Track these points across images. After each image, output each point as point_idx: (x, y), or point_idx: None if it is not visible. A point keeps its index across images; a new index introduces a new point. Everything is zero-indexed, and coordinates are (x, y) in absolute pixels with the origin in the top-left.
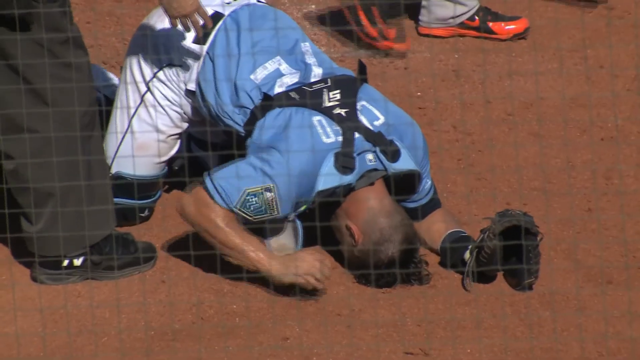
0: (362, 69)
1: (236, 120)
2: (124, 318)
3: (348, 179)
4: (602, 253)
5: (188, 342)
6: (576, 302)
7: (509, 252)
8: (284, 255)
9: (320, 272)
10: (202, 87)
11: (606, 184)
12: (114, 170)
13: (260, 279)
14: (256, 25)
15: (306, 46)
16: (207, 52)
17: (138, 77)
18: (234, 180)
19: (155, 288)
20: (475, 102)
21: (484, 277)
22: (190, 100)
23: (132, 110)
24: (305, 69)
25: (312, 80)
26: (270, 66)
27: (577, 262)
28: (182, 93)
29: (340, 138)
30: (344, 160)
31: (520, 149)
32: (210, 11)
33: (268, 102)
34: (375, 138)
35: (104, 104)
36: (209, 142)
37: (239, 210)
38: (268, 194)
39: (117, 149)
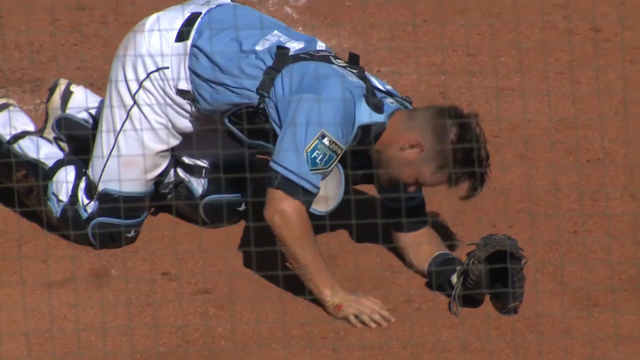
0: (354, 57)
1: (247, 86)
2: (110, 341)
3: (381, 117)
4: (588, 275)
5: None
6: (562, 325)
7: (495, 276)
8: (347, 292)
9: (380, 314)
10: (198, 76)
11: (593, 206)
12: (100, 188)
13: (246, 304)
14: (241, 13)
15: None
16: (193, 46)
17: (124, 92)
18: (299, 160)
19: (141, 311)
20: None
21: (471, 301)
22: (178, 106)
23: (118, 127)
24: (308, 40)
25: (317, 48)
26: (272, 38)
27: (563, 284)
28: (170, 100)
29: (361, 84)
30: (374, 100)
31: (506, 171)
32: (187, 13)
33: (283, 56)
34: (387, 93)
35: (91, 127)
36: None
37: (313, 172)
38: (325, 140)
39: (104, 167)
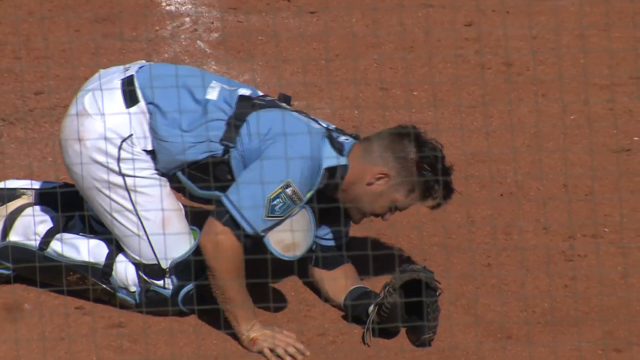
0: (286, 98)
1: (210, 138)
2: None
3: (344, 160)
4: (501, 308)
5: None
6: (476, 357)
7: (411, 308)
8: (263, 326)
9: (295, 347)
10: (160, 136)
11: (506, 239)
12: (165, 265)
13: (160, 338)
14: (177, 67)
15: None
16: (148, 105)
17: (107, 177)
18: (255, 204)
19: (55, 345)
20: None
21: (387, 333)
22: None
23: (130, 205)
24: (247, 87)
25: (258, 94)
26: (216, 86)
27: (477, 317)
28: (146, 157)
29: (322, 126)
30: (336, 143)
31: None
32: (117, 82)
33: (246, 103)
34: (335, 131)
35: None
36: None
37: (268, 219)
38: (288, 190)
39: (151, 246)
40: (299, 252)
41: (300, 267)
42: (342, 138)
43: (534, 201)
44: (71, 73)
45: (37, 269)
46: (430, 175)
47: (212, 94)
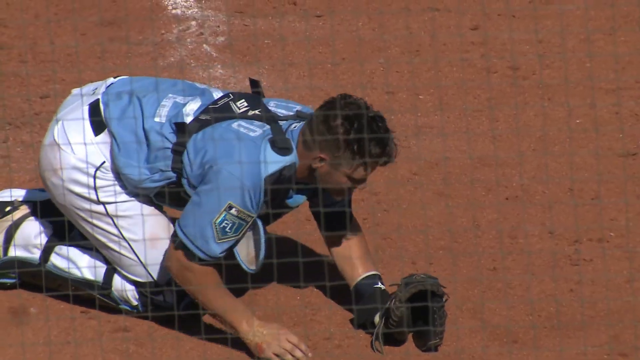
0: (254, 83)
1: (161, 167)
2: None
3: (290, 158)
4: (508, 312)
5: None
6: None
7: (417, 314)
8: (263, 324)
9: (300, 349)
10: (118, 167)
11: (511, 243)
12: (160, 281)
13: (166, 342)
14: (136, 80)
15: (189, 82)
16: (111, 132)
17: (88, 206)
18: (203, 232)
19: (61, 349)
20: None
21: (393, 340)
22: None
23: (116, 231)
24: (203, 92)
25: (215, 98)
26: (168, 102)
27: (483, 321)
28: (119, 180)
29: (265, 129)
30: (280, 142)
31: (426, 209)
32: (85, 108)
33: (182, 131)
34: (297, 115)
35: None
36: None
37: (222, 241)
38: (232, 211)
39: (144, 266)
40: (259, 264)
41: (306, 270)
42: (292, 125)
43: (540, 205)
44: (77, 77)
45: (42, 279)
46: (354, 132)
47: (161, 115)
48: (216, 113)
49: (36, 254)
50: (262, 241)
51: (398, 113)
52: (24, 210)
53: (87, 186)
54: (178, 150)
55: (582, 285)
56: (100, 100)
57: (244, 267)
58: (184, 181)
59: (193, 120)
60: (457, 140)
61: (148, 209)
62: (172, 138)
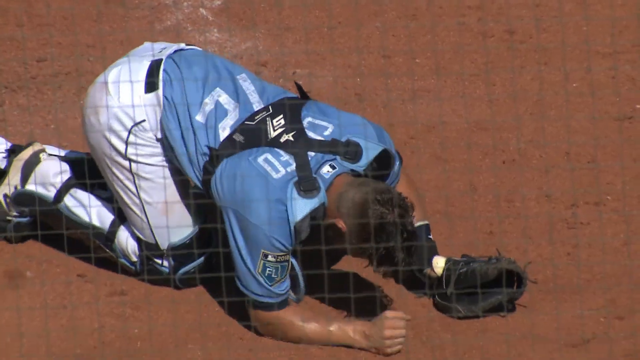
0: (299, 88)
1: (195, 174)
2: (26, 343)
3: (318, 200)
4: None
5: None
6: (478, 325)
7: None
8: (368, 325)
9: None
10: (166, 136)
11: (508, 207)
12: (163, 246)
13: (163, 305)
14: (193, 64)
15: (243, 77)
16: (165, 96)
17: (116, 156)
18: (258, 283)
19: (57, 313)
20: None
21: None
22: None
23: (134, 188)
24: (245, 99)
25: (255, 109)
26: (210, 102)
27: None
28: (156, 143)
29: (291, 168)
30: (306, 185)
31: (422, 173)
32: (147, 62)
33: (212, 158)
34: (330, 147)
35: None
36: None
37: (274, 285)
38: (269, 257)
39: (151, 228)
40: (301, 294)
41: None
42: (324, 168)
43: (537, 169)
44: (73, 40)
45: (53, 220)
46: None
47: (202, 115)
48: (249, 134)
49: (52, 192)
50: (299, 275)
51: (395, 77)
52: (37, 146)
53: (120, 138)
54: (208, 173)
55: (579, 248)
56: (164, 62)
57: (294, 299)
58: (218, 202)
59: (225, 139)
60: (454, 104)
61: (170, 178)
62: (205, 157)
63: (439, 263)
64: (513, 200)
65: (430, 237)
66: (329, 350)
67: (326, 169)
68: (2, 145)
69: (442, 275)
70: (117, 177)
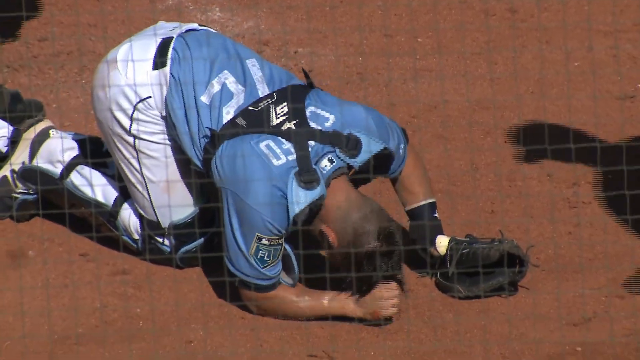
0: (306, 75)
1: (196, 153)
2: (28, 322)
3: (317, 192)
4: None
5: (92, 346)
6: (480, 305)
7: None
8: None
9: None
10: (170, 114)
11: (510, 186)
12: (165, 224)
13: (165, 285)
14: (203, 44)
15: (252, 62)
16: (171, 74)
17: (120, 132)
18: (250, 266)
19: (59, 292)
20: (379, 104)
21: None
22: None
23: (137, 164)
24: (252, 85)
25: (260, 95)
26: (217, 84)
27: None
28: (161, 120)
29: (292, 157)
30: (306, 176)
31: (424, 152)
32: (157, 40)
33: (214, 140)
34: (331, 138)
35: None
36: None
37: (266, 268)
38: (264, 241)
39: (153, 206)
40: (294, 277)
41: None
42: (323, 162)
43: (538, 148)
44: (75, 20)
45: (58, 197)
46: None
47: (208, 96)
48: (252, 119)
49: (58, 169)
50: (292, 259)
51: (396, 56)
52: (46, 123)
53: (126, 114)
54: (209, 154)
55: (581, 228)
56: (174, 41)
57: (282, 281)
58: (217, 182)
59: (228, 122)
60: (456, 83)
61: (173, 157)
62: (206, 138)
63: (442, 242)
64: (514, 179)
65: (436, 215)
66: (329, 329)
67: (324, 163)
68: (4, 129)
69: (445, 254)
70: (122, 154)
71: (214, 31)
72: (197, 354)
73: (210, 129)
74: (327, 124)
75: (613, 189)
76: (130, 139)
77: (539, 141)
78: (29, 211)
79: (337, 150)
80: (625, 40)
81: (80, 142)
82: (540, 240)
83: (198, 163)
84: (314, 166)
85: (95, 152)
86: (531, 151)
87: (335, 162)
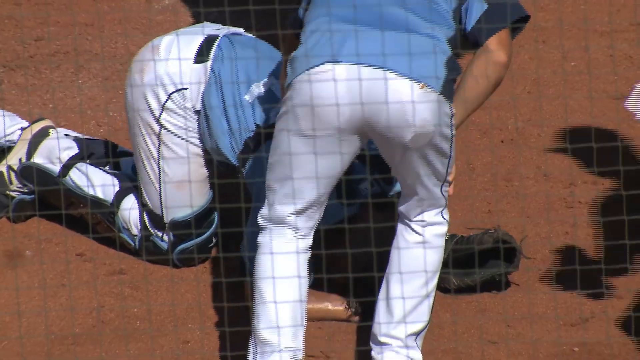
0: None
1: (233, 148)
2: (24, 322)
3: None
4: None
5: (89, 346)
6: (477, 305)
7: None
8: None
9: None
10: (205, 109)
11: (506, 186)
12: (166, 219)
13: (162, 285)
14: (248, 47)
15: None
16: (212, 69)
17: (149, 118)
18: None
19: (56, 292)
20: None
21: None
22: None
23: (156, 154)
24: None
25: None
26: (262, 86)
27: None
28: (193, 115)
29: None
30: None
31: None
32: (204, 35)
33: (259, 132)
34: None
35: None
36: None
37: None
38: None
39: (160, 197)
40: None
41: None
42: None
43: (535, 148)
44: (71, 19)
45: (57, 197)
46: None
47: (251, 96)
48: None
49: (57, 167)
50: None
51: None
52: (46, 122)
53: (159, 101)
54: (249, 145)
55: (577, 228)
56: (219, 38)
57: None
58: (246, 175)
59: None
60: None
61: (195, 157)
62: (250, 132)
63: None
64: (511, 180)
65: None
66: (327, 329)
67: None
68: (18, 124)
69: None
70: (144, 139)
71: (254, 37)
72: (194, 354)
73: (255, 124)
74: None
75: (610, 189)
76: (157, 128)
77: (536, 141)
78: (26, 212)
79: None
80: (621, 40)
81: (79, 142)
82: (537, 240)
83: (232, 159)
84: None
85: (97, 152)
86: (527, 151)
87: None
